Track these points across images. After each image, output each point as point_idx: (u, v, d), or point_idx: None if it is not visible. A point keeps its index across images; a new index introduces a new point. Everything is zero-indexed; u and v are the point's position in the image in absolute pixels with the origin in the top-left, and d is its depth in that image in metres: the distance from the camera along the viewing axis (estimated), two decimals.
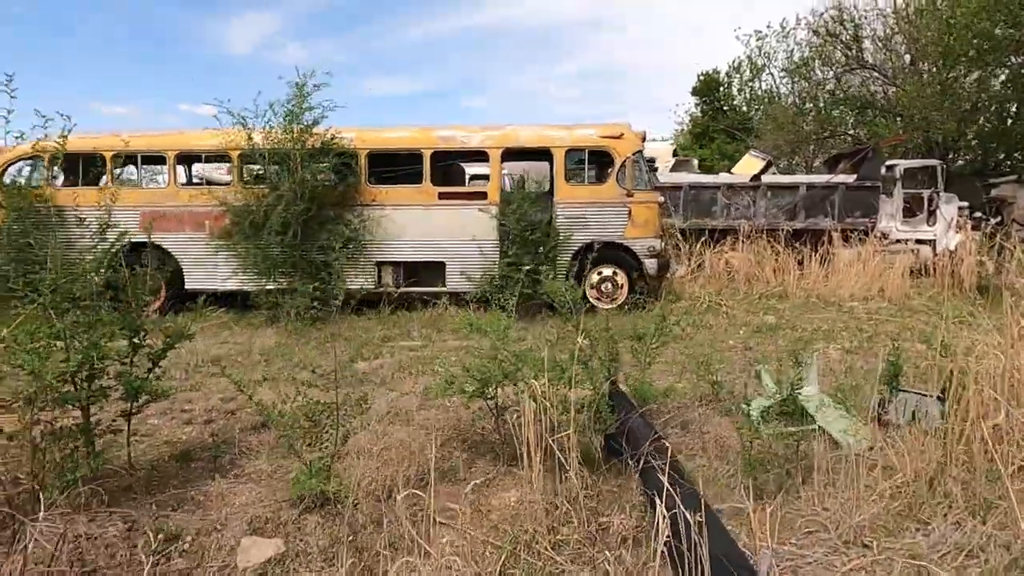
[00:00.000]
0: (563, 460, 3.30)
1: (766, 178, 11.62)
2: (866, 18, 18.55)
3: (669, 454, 3.00)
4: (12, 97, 3.94)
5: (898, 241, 11.05)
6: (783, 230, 10.58)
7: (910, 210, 11.36)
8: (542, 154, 8.22)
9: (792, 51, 21.63)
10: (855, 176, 11.27)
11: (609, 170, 8.12)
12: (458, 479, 3.59)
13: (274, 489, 3.45)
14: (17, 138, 5.63)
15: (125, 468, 3.55)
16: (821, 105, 20.61)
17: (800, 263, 10.10)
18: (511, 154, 8.38)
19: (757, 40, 23.31)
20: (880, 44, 18.88)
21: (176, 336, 3.67)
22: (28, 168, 8.28)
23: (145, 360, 3.58)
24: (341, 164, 7.89)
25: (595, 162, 8.48)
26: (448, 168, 9.18)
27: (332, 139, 7.68)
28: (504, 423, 3.88)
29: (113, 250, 3.79)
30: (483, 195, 8.11)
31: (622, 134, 8.02)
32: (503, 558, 2.87)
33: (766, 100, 25.00)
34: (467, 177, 10.88)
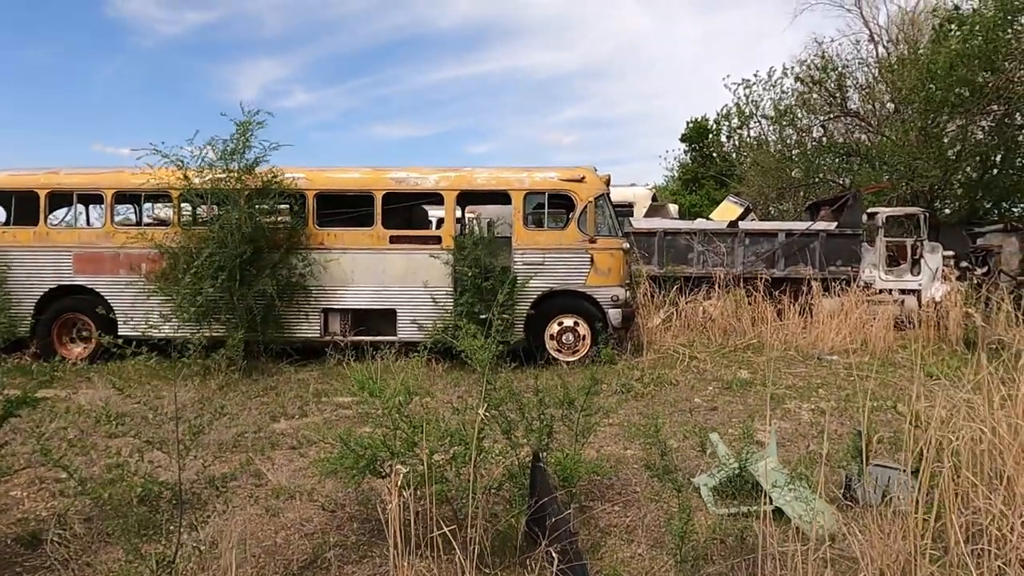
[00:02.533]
0: (461, 558, 2.76)
1: (744, 224, 11.25)
2: (849, 67, 18.53)
3: (572, 554, 2.45)
4: None
5: (882, 291, 10.61)
6: (762, 278, 10.15)
7: (894, 259, 10.95)
8: (501, 197, 7.82)
9: (779, 99, 21.64)
10: (836, 223, 10.90)
11: (570, 215, 7.71)
12: (334, 574, 3.03)
13: None
14: None
15: None
16: (808, 151, 20.48)
17: (779, 313, 9.63)
18: (468, 197, 7.99)
19: (745, 88, 23.37)
20: (863, 92, 18.84)
21: (18, 402, 3.15)
22: None
23: None
24: (287, 205, 7.47)
25: (557, 206, 8.07)
26: (411, 211, 8.77)
27: (275, 178, 7.27)
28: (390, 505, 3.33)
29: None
30: (437, 239, 7.68)
31: (583, 177, 7.64)
32: None
33: (754, 146, 24.96)
34: (435, 222, 10.49)
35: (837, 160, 19.75)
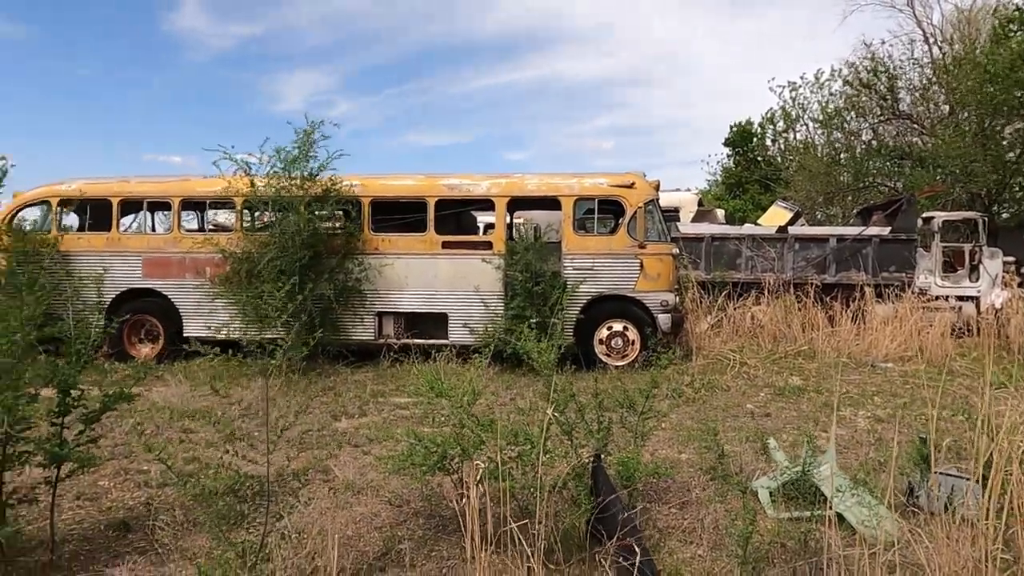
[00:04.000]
0: (526, 549, 2.85)
1: (794, 229, 11.11)
2: (902, 68, 18.11)
3: (640, 552, 2.53)
4: None
5: (938, 298, 10.35)
6: (812, 284, 10.01)
7: (950, 265, 10.67)
8: (551, 203, 7.92)
9: (827, 102, 21.25)
10: (889, 228, 10.68)
11: (620, 220, 7.77)
12: (405, 565, 3.16)
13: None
14: None
15: (47, 542, 3.21)
16: (857, 155, 20.05)
17: (831, 319, 9.48)
18: (519, 203, 8.11)
19: (791, 91, 23.02)
20: (917, 94, 18.37)
21: (115, 398, 3.37)
22: (39, 213, 8.32)
23: (78, 422, 3.28)
24: (343, 212, 7.71)
25: (606, 211, 8.13)
26: (460, 216, 8.94)
27: (334, 186, 7.52)
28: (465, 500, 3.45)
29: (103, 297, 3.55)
30: (488, 244, 7.82)
31: (633, 183, 7.69)
32: None
33: (800, 150, 24.53)
34: (482, 227, 10.65)
35: (888, 163, 19.30)
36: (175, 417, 5.55)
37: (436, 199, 7.75)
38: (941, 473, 3.84)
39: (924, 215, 11.47)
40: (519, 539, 2.87)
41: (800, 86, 22.37)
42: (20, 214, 8.16)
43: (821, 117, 21.07)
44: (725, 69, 54.44)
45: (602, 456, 3.57)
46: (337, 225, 7.83)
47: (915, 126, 18.47)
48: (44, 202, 8.10)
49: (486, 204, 8.12)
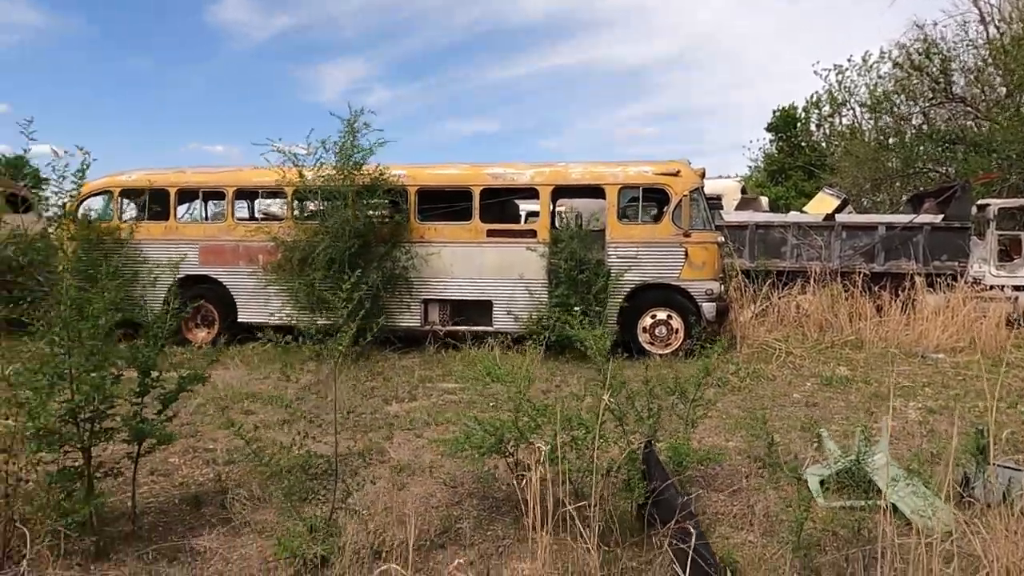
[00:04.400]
0: (582, 531, 2.94)
1: (841, 217, 10.90)
2: (955, 50, 17.48)
3: (696, 535, 2.60)
4: (31, 139, 4.00)
5: (992, 287, 10.06)
6: (860, 273, 9.83)
7: (1006, 253, 10.36)
8: (595, 191, 7.94)
9: (875, 85, 20.66)
10: (942, 216, 10.40)
11: (665, 208, 7.75)
12: (465, 543, 3.28)
13: (273, 546, 3.23)
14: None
15: (128, 514, 3.43)
16: (906, 140, 19.48)
17: (879, 309, 9.31)
18: (562, 191, 8.15)
19: (837, 74, 22.43)
20: (971, 76, 17.73)
21: (190, 378, 3.56)
22: (101, 202, 8.68)
23: (157, 401, 3.48)
24: (390, 201, 7.86)
25: (650, 200, 8.12)
26: (503, 205, 9.03)
27: (381, 175, 7.67)
28: (524, 483, 3.55)
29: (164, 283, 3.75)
30: (532, 233, 7.89)
31: (679, 171, 7.66)
32: None
33: (846, 136, 23.92)
34: (524, 215, 10.72)
35: (940, 149, 18.70)
36: (235, 399, 5.78)
37: (481, 188, 7.84)
38: (999, 465, 3.80)
39: (979, 202, 11.13)
40: (575, 521, 2.96)
41: (847, 69, 21.80)
42: (85, 203, 8.52)
43: (869, 101, 20.50)
44: (767, 52, 53.26)
45: (653, 442, 3.63)
46: (384, 214, 7.99)
47: (969, 109, 17.84)
48: (107, 192, 8.44)
49: (530, 193, 8.18)
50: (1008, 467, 3.83)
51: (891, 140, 20.14)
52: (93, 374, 3.13)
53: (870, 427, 5.23)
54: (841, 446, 4.57)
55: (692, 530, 2.53)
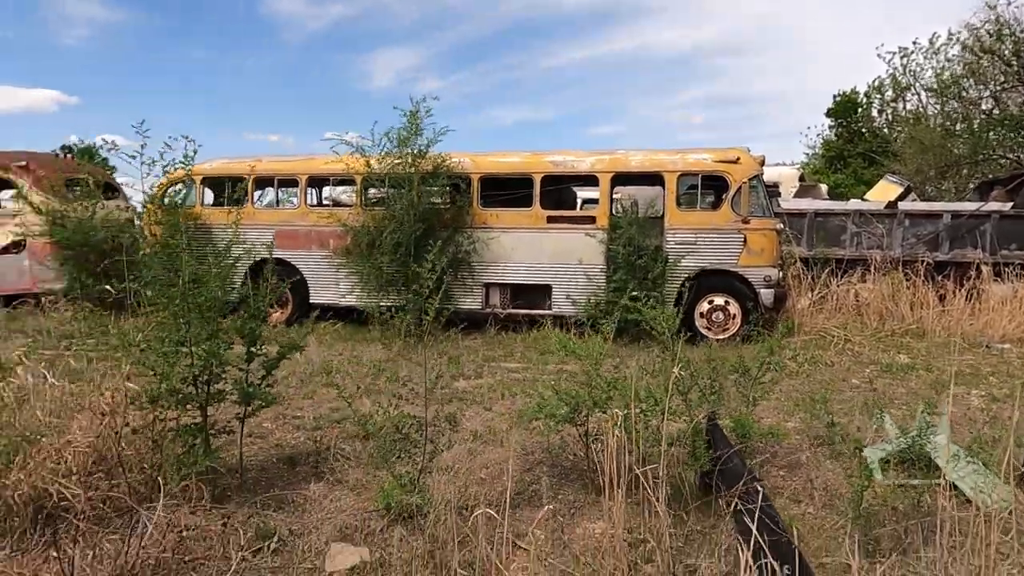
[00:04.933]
0: (650, 495, 3.17)
1: (904, 205, 10.71)
2: None
3: (761, 497, 2.80)
4: (146, 137, 4.53)
5: None
6: (923, 262, 9.67)
7: None
8: (654, 179, 8.08)
9: (942, 68, 19.96)
10: (1011, 204, 10.12)
11: (723, 195, 7.83)
12: (541, 504, 3.55)
13: (366, 499, 3.57)
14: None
15: (236, 468, 3.82)
16: (975, 126, 18.79)
17: (941, 299, 9.17)
18: (622, 179, 8.30)
19: (902, 58, 21.74)
20: None
21: (289, 348, 3.92)
22: (183, 190, 9.24)
23: (260, 368, 3.85)
24: (453, 187, 8.16)
25: (709, 187, 8.20)
26: (561, 192, 9.23)
27: (444, 163, 7.97)
28: (593, 452, 3.80)
29: (242, 265, 4.15)
30: (591, 219, 8.08)
31: (738, 158, 7.72)
32: None
33: (910, 121, 23.16)
34: (579, 201, 10.89)
35: (1011, 134, 17.99)
36: (315, 372, 6.20)
37: (542, 175, 8.07)
38: None
39: None
40: (645, 485, 3.19)
41: (912, 52, 21.12)
42: (169, 191, 9.09)
43: (935, 85, 19.83)
44: (827, 36, 51.57)
45: (716, 417, 3.83)
46: (447, 200, 8.30)
47: None
48: (189, 180, 8.99)
49: (589, 180, 8.36)
50: None
51: (958, 126, 19.45)
52: (208, 342, 3.52)
53: (931, 410, 5.27)
54: (901, 427, 4.66)
55: (759, 488, 2.73)
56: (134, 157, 4.71)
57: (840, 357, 7.31)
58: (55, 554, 2.71)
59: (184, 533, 2.64)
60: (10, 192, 9.76)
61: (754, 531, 2.42)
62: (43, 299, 8.82)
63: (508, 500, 2.88)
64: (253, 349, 3.78)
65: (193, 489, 3.21)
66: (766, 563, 2.39)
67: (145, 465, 3.42)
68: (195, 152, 4.40)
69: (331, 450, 4.29)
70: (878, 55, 22.88)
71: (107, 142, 5.56)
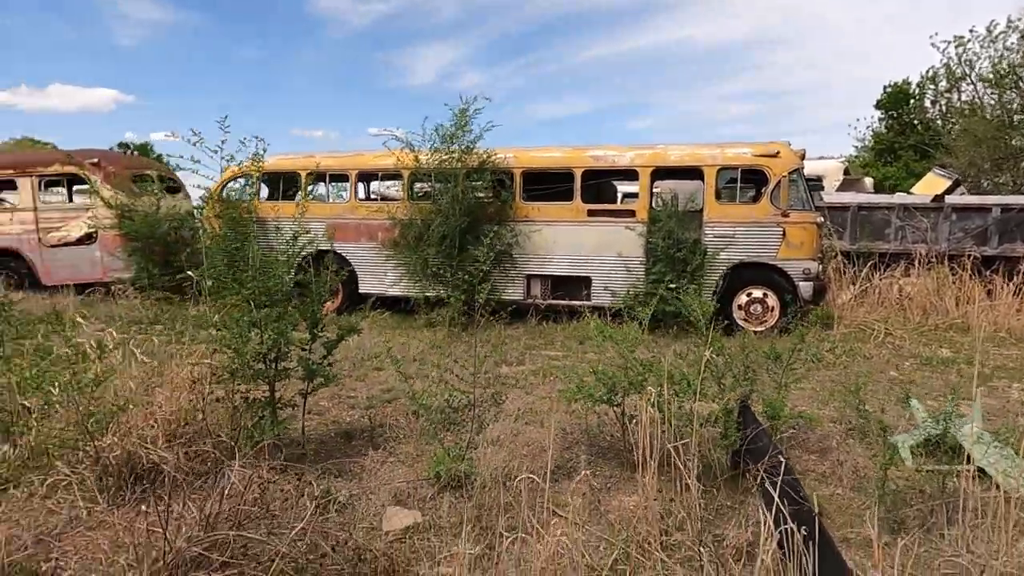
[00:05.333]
0: (682, 470, 3.39)
1: (951, 198, 10.54)
2: None
3: (784, 468, 2.99)
4: (226, 132, 4.94)
5: None
6: (970, 256, 9.55)
7: None
8: (693, 173, 8.20)
9: (1001, 57, 19.33)
10: None
11: (763, 189, 7.91)
12: (581, 477, 3.80)
13: (417, 470, 3.88)
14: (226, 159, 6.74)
15: (299, 439, 4.18)
16: None
17: (989, 293, 9.05)
18: (661, 173, 8.45)
19: (957, 47, 21.11)
20: None
21: (347, 330, 4.26)
22: (239, 185, 9.75)
23: (321, 349, 4.20)
24: (496, 182, 8.44)
25: (749, 181, 8.28)
26: (600, 186, 9.42)
27: (489, 158, 8.25)
28: (629, 431, 4.03)
29: (301, 255, 4.50)
30: (631, 213, 8.25)
31: (778, 152, 7.79)
32: (615, 554, 3.04)
33: (965, 112, 22.47)
34: (619, 195, 11.04)
35: None
36: (365, 357, 6.56)
37: (582, 170, 8.28)
38: None
39: None
40: (678, 460, 3.41)
41: (968, 41, 20.49)
42: (228, 185, 9.61)
43: (991, 76, 19.22)
44: (874, 26, 50.02)
45: (748, 401, 4.02)
46: (491, 194, 8.58)
47: None
48: (246, 175, 9.48)
49: (629, 174, 8.54)
50: None
51: (1016, 117, 18.83)
52: (276, 324, 3.87)
53: (962, 403, 5.33)
54: (933, 416, 4.75)
55: (782, 459, 2.92)
56: (216, 151, 5.15)
57: (879, 350, 7.34)
58: (144, 508, 3.09)
59: (263, 487, 2.97)
60: (82, 187, 10.44)
61: (775, 497, 2.63)
62: (112, 287, 9.45)
63: (549, 470, 3.14)
64: (315, 331, 4.13)
65: (266, 453, 3.56)
66: (787, 528, 2.59)
67: (221, 433, 3.80)
68: (264, 151, 4.78)
69: (384, 427, 4.63)
70: (932, 45, 22.21)
71: (173, 135, 5.99)
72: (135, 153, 12.47)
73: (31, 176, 9.89)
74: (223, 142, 5.22)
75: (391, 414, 4.96)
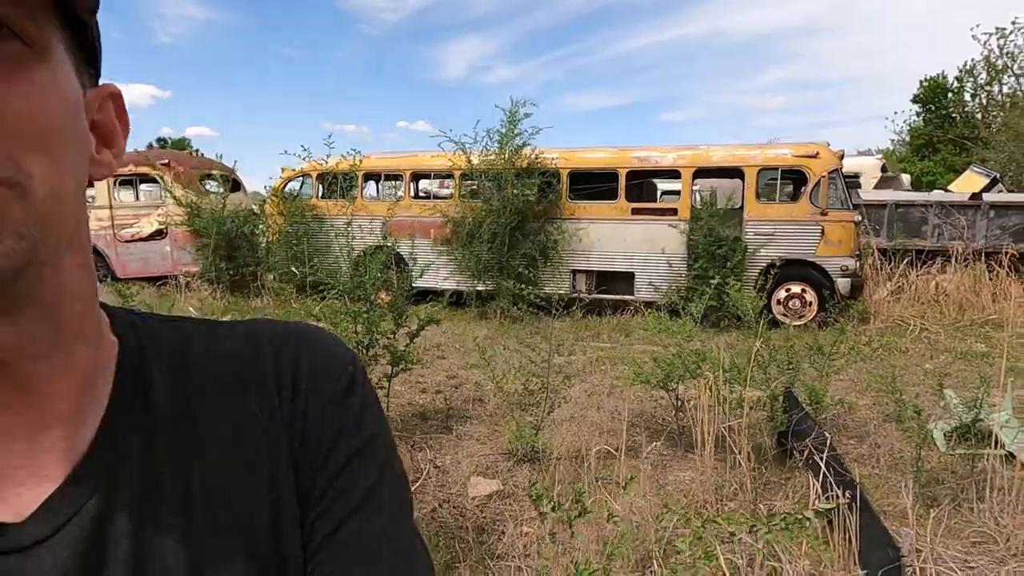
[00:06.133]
0: (734, 448, 3.82)
1: (989, 196, 10.68)
2: None
3: (829, 444, 3.39)
4: (330, 147, 5.41)
5: None
6: (1007, 253, 9.71)
7: None
8: (734, 172, 8.54)
9: None
10: None
11: (802, 188, 8.22)
12: (640, 456, 4.25)
13: (491, 446, 4.36)
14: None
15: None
16: None
17: None
18: (702, 172, 8.79)
19: (999, 38, 20.89)
20: None
21: (428, 320, 4.75)
22: (299, 184, 10.34)
23: (405, 337, 4.70)
24: (545, 182, 8.88)
25: (788, 180, 8.59)
26: (642, 185, 9.80)
27: (537, 159, 8.69)
28: (682, 415, 4.45)
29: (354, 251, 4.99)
30: (674, 211, 8.63)
31: (817, 153, 8.08)
32: (676, 520, 3.48)
33: (1007, 106, 22.21)
34: (659, 193, 11.39)
35: None
36: (427, 347, 7.07)
37: (627, 170, 8.67)
38: None
39: None
40: (730, 439, 3.83)
41: (1011, 32, 20.27)
42: (289, 186, 10.21)
43: None
44: (912, 16, 49.06)
45: (792, 388, 4.41)
46: (538, 194, 9.02)
47: None
48: (305, 175, 10.07)
49: (671, 173, 8.90)
50: None
51: None
52: (367, 314, 4.37)
53: (995, 394, 5.63)
54: (966, 405, 5.08)
55: (826, 435, 3.33)
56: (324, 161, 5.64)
57: (915, 344, 7.63)
58: None
59: None
60: (152, 186, 11.13)
61: (822, 466, 3.04)
62: (183, 280, 10.13)
63: (624, 444, 3.58)
64: (400, 321, 4.63)
65: None
66: (831, 494, 3.00)
67: None
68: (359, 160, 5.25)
69: (454, 409, 5.13)
70: (973, 36, 21.89)
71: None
72: (200, 153, 13.15)
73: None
74: (327, 156, 5.70)
75: (457, 397, 5.46)
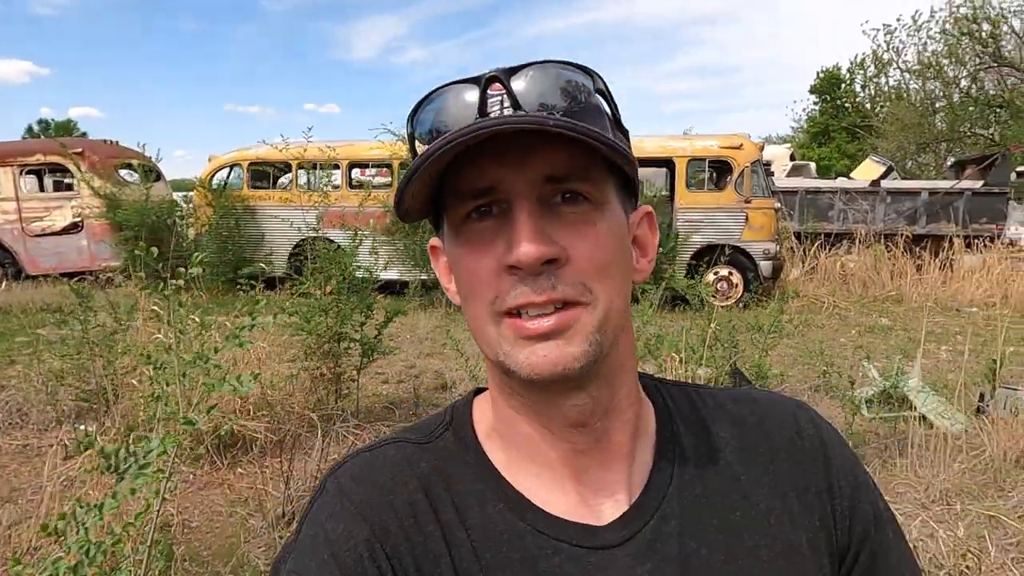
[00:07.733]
0: None
1: (886, 183, 11.73)
2: (1004, 15, 17.72)
3: None
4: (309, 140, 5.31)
5: None
6: (902, 235, 10.73)
7: None
8: (664, 163, 8.99)
9: (924, 44, 20.92)
10: (982, 182, 11.17)
11: (727, 178, 8.78)
12: None
13: None
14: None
15: (354, 411, 4.76)
16: (954, 102, 19.81)
17: (919, 268, 10.25)
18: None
19: (885, 34, 22.65)
20: (1020, 40, 17.98)
21: (395, 312, 4.84)
22: (227, 174, 10.00)
23: (373, 329, 4.77)
24: None
25: (714, 170, 9.12)
26: None
27: None
28: None
29: (289, 243, 5.02)
30: None
31: (741, 145, 8.65)
32: None
33: (892, 98, 24.16)
34: None
35: (984, 112, 19.07)
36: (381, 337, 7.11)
37: None
38: (1005, 387, 4.91)
39: (1019, 169, 11.83)
40: None
41: (896, 29, 22.03)
42: (217, 175, 9.86)
43: (916, 66, 20.79)
44: (811, 8, 52.19)
45: (736, 364, 4.82)
46: None
47: (1016, 73, 18.13)
48: (236, 165, 9.76)
49: None
50: (1015, 388, 4.93)
51: (938, 104, 20.46)
52: (340, 307, 4.43)
53: (906, 363, 6.33)
54: (882, 374, 5.70)
55: None
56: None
57: (829, 320, 8.36)
58: (241, 471, 3.65)
59: (355, 443, 3.57)
60: (66, 177, 10.45)
61: None
62: (100, 276, 9.62)
63: None
64: (369, 313, 4.70)
65: (335, 421, 4.14)
66: None
67: (294, 405, 4.36)
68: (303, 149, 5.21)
69: (421, 398, 5.25)
70: (863, 32, 23.81)
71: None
72: (117, 143, 12.37)
73: (11, 166, 9.87)
74: (305, 150, 5.58)
75: (420, 386, 5.58)
